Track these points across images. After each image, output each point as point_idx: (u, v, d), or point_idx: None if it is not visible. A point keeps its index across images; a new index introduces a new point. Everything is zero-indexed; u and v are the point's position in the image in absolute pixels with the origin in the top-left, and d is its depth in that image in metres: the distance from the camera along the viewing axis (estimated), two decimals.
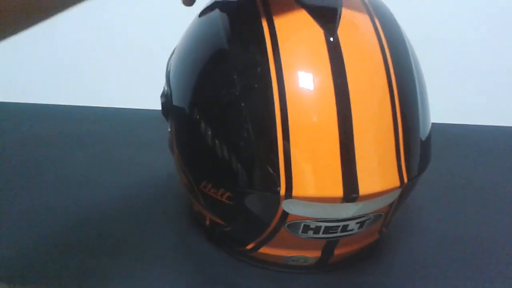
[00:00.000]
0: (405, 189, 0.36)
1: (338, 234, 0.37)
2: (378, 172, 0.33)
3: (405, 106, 0.35)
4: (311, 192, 0.33)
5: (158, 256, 0.44)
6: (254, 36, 0.35)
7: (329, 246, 0.39)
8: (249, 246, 0.40)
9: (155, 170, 0.56)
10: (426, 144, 0.38)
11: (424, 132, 0.37)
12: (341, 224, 0.36)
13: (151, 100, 0.54)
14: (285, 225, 0.36)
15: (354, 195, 0.33)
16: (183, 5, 0.37)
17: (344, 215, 0.35)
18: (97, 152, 0.60)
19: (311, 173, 0.33)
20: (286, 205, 0.34)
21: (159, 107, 0.44)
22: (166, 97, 0.42)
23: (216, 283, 0.41)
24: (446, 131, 0.65)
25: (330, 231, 0.37)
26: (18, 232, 0.45)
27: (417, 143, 0.36)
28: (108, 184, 0.54)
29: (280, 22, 0.35)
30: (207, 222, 0.43)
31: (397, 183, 0.34)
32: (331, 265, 0.42)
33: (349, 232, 0.37)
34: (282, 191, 0.33)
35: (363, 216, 0.36)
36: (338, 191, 0.32)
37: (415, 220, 0.50)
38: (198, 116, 0.37)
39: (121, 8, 0.74)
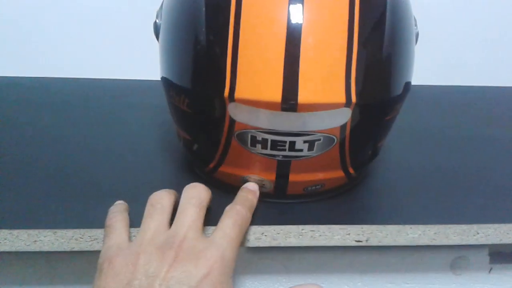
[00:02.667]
0: (361, 113, 0.35)
1: (287, 152, 0.37)
2: (322, 84, 0.33)
3: (365, 30, 0.34)
4: (251, 95, 0.33)
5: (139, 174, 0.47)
6: None
7: (282, 168, 0.39)
8: (211, 165, 0.42)
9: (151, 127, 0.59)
10: (390, 77, 0.37)
11: (393, 67, 0.36)
12: (287, 139, 0.36)
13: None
14: (235, 135, 0.37)
15: (293, 102, 0.33)
16: None
17: (287, 127, 0.35)
18: (91, 116, 0.63)
19: (253, 77, 0.33)
20: (232, 110, 0.35)
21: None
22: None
23: None
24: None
25: (278, 147, 0.37)
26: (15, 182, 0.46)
27: (374, 69, 0.35)
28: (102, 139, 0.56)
29: None
30: (181, 142, 0.45)
31: (342, 99, 0.33)
32: (293, 196, 0.42)
33: (299, 153, 0.37)
34: (226, 93, 0.34)
35: (310, 135, 0.36)
36: (277, 96, 0.33)
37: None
38: (168, 22, 0.39)
39: None
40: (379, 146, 0.44)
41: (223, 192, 0.41)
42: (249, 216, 0.37)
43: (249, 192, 0.39)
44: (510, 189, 0.47)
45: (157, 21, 0.44)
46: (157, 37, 0.45)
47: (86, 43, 0.80)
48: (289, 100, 0.33)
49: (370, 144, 0.42)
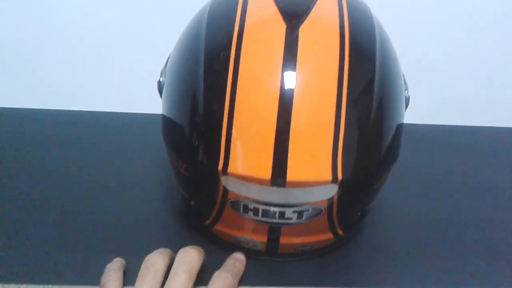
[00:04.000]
0: (348, 187, 0.37)
1: (277, 220, 0.39)
2: (309, 163, 0.35)
3: (352, 107, 0.36)
4: (243, 171, 0.35)
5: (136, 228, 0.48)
6: (226, 25, 0.39)
7: (273, 232, 0.41)
8: (207, 222, 0.44)
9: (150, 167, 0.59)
10: (378, 152, 0.38)
11: (381, 141, 0.38)
12: (277, 209, 0.38)
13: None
14: (228, 202, 0.39)
15: (281, 180, 0.35)
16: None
17: (277, 199, 0.37)
18: (93, 154, 0.61)
19: (245, 153, 0.35)
20: (225, 181, 0.37)
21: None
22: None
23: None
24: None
25: (269, 216, 0.39)
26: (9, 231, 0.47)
27: (361, 145, 0.37)
28: (102, 180, 0.56)
29: (251, 16, 0.38)
30: (180, 196, 0.47)
31: (328, 177, 0.35)
32: (283, 255, 0.44)
33: (288, 221, 0.39)
34: (220, 166, 0.36)
35: (299, 206, 0.38)
36: (267, 174, 0.35)
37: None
38: (170, 85, 0.41)
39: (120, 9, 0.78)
40: (368, 208, 0.46)
41: (218, 247, 0.43)
42: (235, 283, 0.38)
43: (237, 260, 0.41)
44: None
45: (161, 79, 0.46)
46: (160, 95, 0.47)
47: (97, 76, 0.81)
48: (278, 178, 0.35)
49: (358, 209, 0.44)
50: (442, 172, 0.62)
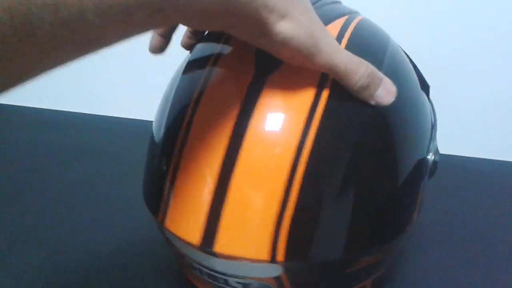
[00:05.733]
0: (298, 268, 0.31)
1: (223, 285, 0.35)
2: (242, 236, 0.30)
3: (312, 177, 0.30)
4: (176, 230, 0.32)
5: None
6: (198, 71, 0.35)
7: None
8: (181, 267, 0.41)
9: None
10: (342, 224, 0.31)
11: (346, 211, 0.31)
12: (220, 276, 0.34)
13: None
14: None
15: (209, 249, 0.31)
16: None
17: (216, 267, 0.33)
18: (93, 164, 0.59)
19: (180, 212, 0.32)
20: (167, 233, 0.34)
21: None
22: None
23: None
24: None
25: (213, 279, 0.35)
26: None
27: (319, 223, 0.31)
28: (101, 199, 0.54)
29: (225, 58, 0.34)
30: None
31: (265, 256, 0.30)
32: None
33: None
34: (160, 218, 0.33)
35: (242, 278, 0.33)
36: (196, 239, 0.31)
37: None
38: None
39: None
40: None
41: None
42: None
43: None
44: None
45: None
46: None
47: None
48: (206, 247, 0.31)
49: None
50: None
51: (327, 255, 0.31)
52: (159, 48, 0.37)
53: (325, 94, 0.31)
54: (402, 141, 0.34)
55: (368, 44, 0.35)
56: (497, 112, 0.70)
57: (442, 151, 0.59)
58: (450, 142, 0.62)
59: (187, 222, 0.31)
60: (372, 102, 0.32)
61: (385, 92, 0.32)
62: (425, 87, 0.40)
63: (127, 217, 0.52)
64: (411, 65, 0.40)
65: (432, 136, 0.38)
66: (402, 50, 0.40)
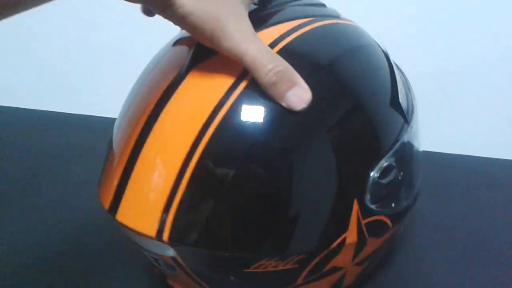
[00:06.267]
0: (191, 253, 0.32)
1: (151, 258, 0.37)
2: (138, 210, 0.32)
3: (200, 170, 0.31)
4: (101, 197, 0.36)
5: None
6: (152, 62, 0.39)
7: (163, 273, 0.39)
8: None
9: None
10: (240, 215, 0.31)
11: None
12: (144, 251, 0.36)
13: None
14: None
15: (112, 217, 0.34)
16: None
17: (134, 238, 0.35)
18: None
19: (104, 182, 0.36)
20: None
21: None
22: None
23: None
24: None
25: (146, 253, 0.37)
26: None
27: (210, 208, 0.31)
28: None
29: (172, 53, 0.38)
30: None
31: (151, 232, 0.32)
32: None
33: (160, 265, 0.37)
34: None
35: (154, 254, 0.35)
36: (106, 205, 0.34)
37: None
38: None
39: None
40: None
41: None
42: None
43: None
44: None
45: None
46: None
47: None
48: (110, 214, 0.34)
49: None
50: None
51: (210, 245, 0.31)
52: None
53: (244, 83, 0.32)
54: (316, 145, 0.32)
55: (312, 49, 0.34)
56: (497, 111, 0.70)
57: (442, 150, 0.63)
58: (450, 142, 0.65)
59: (104, 188, 0.35)
60: (283, 104, 0.31)
61: (296, 97, 0.31)
62: (397, 104, 0.37)
63: None
64: (386, 80, 0.37)
65: (388, 154, 0.35)
66: (392, 64, 0.38)
